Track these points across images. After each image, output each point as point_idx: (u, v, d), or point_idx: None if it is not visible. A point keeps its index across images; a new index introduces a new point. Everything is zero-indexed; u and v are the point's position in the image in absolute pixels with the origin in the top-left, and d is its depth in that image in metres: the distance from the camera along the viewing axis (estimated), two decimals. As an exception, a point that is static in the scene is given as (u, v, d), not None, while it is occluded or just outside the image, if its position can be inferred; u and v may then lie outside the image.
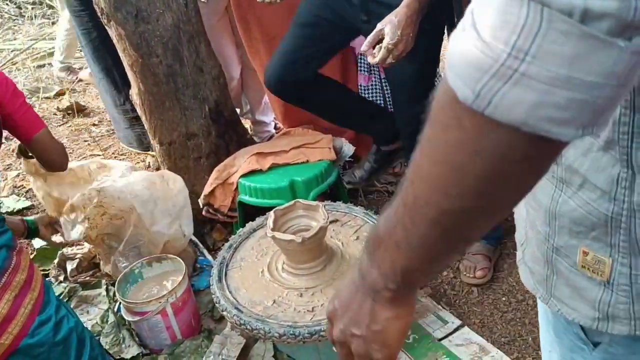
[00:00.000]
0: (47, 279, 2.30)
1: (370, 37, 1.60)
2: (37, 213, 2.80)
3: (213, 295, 1.74)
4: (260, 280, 1.74)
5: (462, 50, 0.42)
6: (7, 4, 6.37)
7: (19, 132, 1.68)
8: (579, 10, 0.37)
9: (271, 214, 1.70)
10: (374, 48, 1.63)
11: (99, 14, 2.11)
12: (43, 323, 1.36)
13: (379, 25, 1.58)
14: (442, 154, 0.46)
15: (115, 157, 3.23)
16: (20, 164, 3.25)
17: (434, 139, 0.47)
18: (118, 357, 1.88)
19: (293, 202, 1.76)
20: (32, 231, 2.07)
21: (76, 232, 2.01)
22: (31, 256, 2.44)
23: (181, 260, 1.96)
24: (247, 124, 2.97)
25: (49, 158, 1.77)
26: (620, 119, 0.52)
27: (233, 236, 1.98)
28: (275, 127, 3.08)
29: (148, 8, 2.06)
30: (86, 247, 2.28)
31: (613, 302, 0.61)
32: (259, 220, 2.00)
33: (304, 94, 2.13)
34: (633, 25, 0.37)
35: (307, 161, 2.28)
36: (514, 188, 0.47)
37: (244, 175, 2.29)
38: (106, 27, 2.14)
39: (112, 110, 3.09)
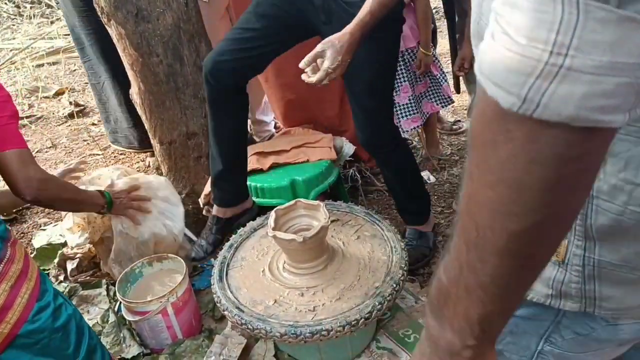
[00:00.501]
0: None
1: (310, 56, 1.61)
2: (37, 212, 2.80)
3: (214, 295, 1.74)
4: (261, 279, 1.73)
5: (497, 58, 0.42)
6: (5, 3, 6.37)
7: None
8: None
9: (272, 213, 1.69)
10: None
11: (98, 13, 2.11)
12: (42, 309, 1.35)
13: (319, 46, 1.60)
14: (497, 173, 0.45)
15: (114, 157, 3.23)
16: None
17: (484, 161, 0.46)
18: (119, 357, 1.88)
19: (294, 201, 1.76)
20: (109, 204, 1.94)
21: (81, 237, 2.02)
22: (31, 255, 2.44)
23: (182, 260, 1.96)
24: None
25: (10, 181, 1.59)
26: None
27: (234, 236, 1.97)
28: (275, 127, 3.09)
29: (148, 7, 2.06)
30: (86, 247, 2.28)
31: (566, 281, 0.62)
32: (259, 219, 2.00)
33: (235, 93, 1.94)
34: None
35: (308, 160, 2.28)
36: (576, 188, 0.46)
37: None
38: (106, 26, 2.13)
39: (115, 109, 3.09)
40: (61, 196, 1.75)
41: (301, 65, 1.61)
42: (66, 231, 2.16)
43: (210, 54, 1.92)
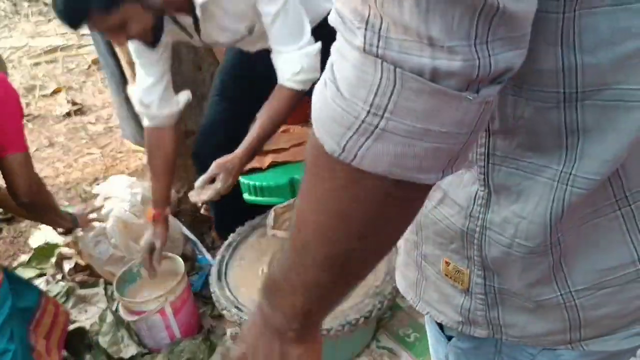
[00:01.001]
0: (44, 277, 2.30)
1: (204, 178, 1.72)
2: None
3: (212, 294, 1.72)
4: (261, 278, 1.72)
5: (324, 105, 0.44)
6: (3, 2, 6.34)
7: None
8: (429, 70, 0.39)
9: (271, 212, 1.68)
10: None
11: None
12: None
13: (214, 169, 1.71)
14: (322, 204, 0.48)
15: (112, 155, 3.22)
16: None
17: (313, 189, 0.49)
18: (117, 357, 1.87)
19: (293, 199, 1.75)
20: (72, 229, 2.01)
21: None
22: (29, 256, 2.43)
23: (180, 259, 1.95)
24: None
25: (11, 182, 1.62)
26: (478, 141, 0.55)
27: (232, 235, 1.96)
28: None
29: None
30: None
31: (472, 309, 0.64)
32: (258, 218, 1.99)
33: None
34: (478, 80, 0.40)
35: (307, 159, 2.26)
36: (393, 226, 0.50)
37: (243, 173, 2.27)
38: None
39: (121, 106, 3.06)
40: (49, 205, 1.79)
41: (197, 184, 1.73)
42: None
43: (200, 142, 1.99)
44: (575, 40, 0.46)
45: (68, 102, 3.80)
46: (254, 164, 2.26)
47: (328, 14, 0.46)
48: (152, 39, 1.60)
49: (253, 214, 2.06)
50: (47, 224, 2.02)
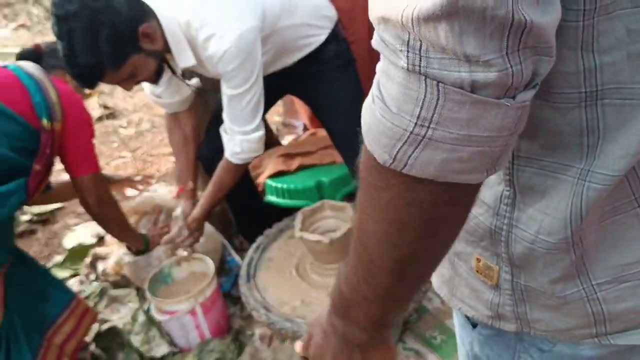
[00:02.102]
0: (78, 277, 2.36)
1: (170, 237, 1.98)
2: (67, 213, 2.86)
3: (242, 295, 1.76)
4: (289, 280, 1.75)
5: (373, 120, 0.48)
6: (36, 8, 6.51)
7: (66, 165, 1.71)
8: (468, 83, 0.43)
9: (299, 214, 1.71)
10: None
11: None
12: None
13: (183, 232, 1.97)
14: (380, 212, 0.52)
15: (143, 158, 3.29)
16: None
17: (370, 200, 0.53)
18: (148, 356, 1.91)
19: (320, 202, 1.77)
20: (143, 251, 2.11)
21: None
22: (63, 257, 2.50)
23: (210, 261, 1.99)
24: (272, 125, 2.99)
25: (82, 196, 1.76)
26: None
27: (260, 237, 1.99)
28: (304, 129, 3.10)
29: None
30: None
31: (501, 304, 0.67)
32: (286, 220, 2.02)
33: None
34: (513, 87, 0.44)
35: (334, 162, 2.29)
36: (449, 226, 0.54)
37: (270, 176, 2.31)
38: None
39: None
40: (116, 221, 1.90)
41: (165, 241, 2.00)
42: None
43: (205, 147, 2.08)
44: (594, 43, 0.50)
45: (100, 106, 3.88)
46: (282, 167, 2.30)
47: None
48: (155, 79, 1.73)
49: (272, 217, 2.10)
50: (117, 238, 2.10)
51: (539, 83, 0.46)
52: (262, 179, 2.31)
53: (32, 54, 1.73)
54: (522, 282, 0.64)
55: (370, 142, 0.49)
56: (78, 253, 2.48)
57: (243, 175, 2.00)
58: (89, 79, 1.58)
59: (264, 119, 2.10)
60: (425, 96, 0.44)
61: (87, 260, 2.39)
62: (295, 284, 1.72)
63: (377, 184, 0.51)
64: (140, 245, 2.07)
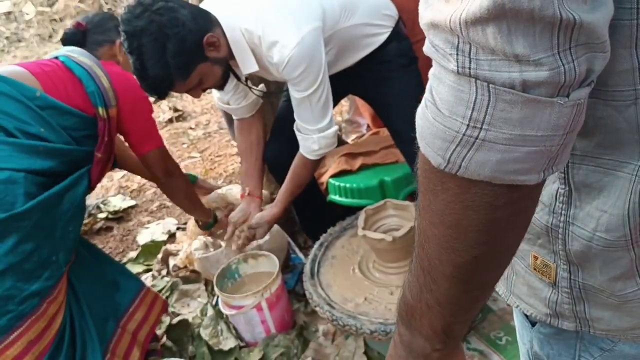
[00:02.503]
0: (151, 272, 2.47)
1: (247, 230, 2.01)
2: (141, 211, 2.99)
3: (306, 291, 1.80)
4: (352, 277, 1.77)
5: (427, 124, 0.48)
6: (110, 9, 6.80)
7: (130, 145, 1.78)
8: (519, 83, 0.43)
9: (362, 213, 1.73)
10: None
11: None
12: None
13: (255, 222, 2.01)
14: (439, 216, 0.51)
15: (211, 159, 3.39)
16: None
17: (428, 204, 0.52)
18: (217, 349, 1.98)
19: (383, 201, 1.78)
20: (210, 225, 2.20)
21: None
22: (137, 252, 2.62)
23: (275, 258, 2.04)
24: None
25: (155, 175, 1.85)
26: None
27: (324, 235, 2.03)
28: (367, 128, 3.10)
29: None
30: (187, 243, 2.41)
31: (559, 302, 0.66)
32: (349, 219, 2.04)
33: None
34: (567, 85, 0.43)
35: (397, 161, 2.29)
36: (511, 229, 0.52)
37: (333, 175, 2.34)
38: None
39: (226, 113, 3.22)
40: (184, 192, 1.99)
41: (236, 232, 2.04)
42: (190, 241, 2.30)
43: (270, 148, 2.15)
44: None
45: (170, 109, 4.02)
46: (345, 166, 2.32)
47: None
48: (221, 85, 1.79)
49: (335, 216, 2.12)
50: (186, 210, 2.20)
51: (594, 80, 0.45)
52: (326, 178, 2.34)
53: (76, 34, 1.78)
54: (580, 280, 0.63)
55: (424, 146, 0.49)
56: (151, 249, 2.59)
57: None
58: (159, 89, 1.65)
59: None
60: (476, 98, 0.44)
61: (159, 256, 2.50)
62: (358, 282, 1.74)
63: (433, 188, 0.51)
64: (208, 218, 2.14)
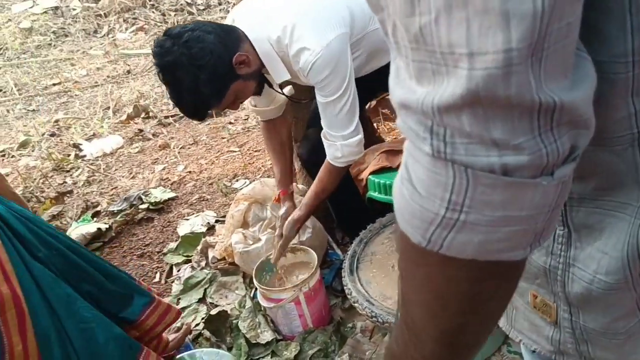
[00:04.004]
0: (190, 263, 2.51)
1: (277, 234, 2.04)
2: (181, 203, 3.04)
3: (345, 287, 1.79)
4: (391, 274, 1.77)
5: (403, 202, 0.45)
6: (152, 12, 6.92)
7: None
8: (498, 167, 0.40)
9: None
10: None
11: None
12: None
13: (284, 229, 2.01)
14: (421, 285, 0.50)
15: (250, 153, 3.42)
16: (166, 157, 3.55)
17: (410, 273, 0.51)
18: (254, 342, 2.00)
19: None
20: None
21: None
22: (176, 243, 2.66)
23: (314, 252, 2.04)
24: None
25: None
26: None
27: (363, 231, 2.02)
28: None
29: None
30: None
31: (562, 341, 0.64)
32: (388, 216, 2.03)
33: None
34: (550, 165, 0.41)
35: (438, 159, 2.27)
36: (495, 298, 0.50)
37: (373, 172, 2.32)
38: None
39: None
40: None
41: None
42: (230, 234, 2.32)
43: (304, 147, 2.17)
44: None
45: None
46: (385, 163, 2.31)
47: None
48: (258, 92, 1.85)
49: (373, 213, 2.12)
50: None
51: (579, 154, 0.43)
52: (365, 174, 2.33)
53: None
54: (581, 322, 0.61)
55: (402, 223, 0.47)
56: (190, 240, 2.62)
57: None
58: (197, 114, 1.75)
59: (367, 117, 2.11)
60: (454, 181, 0.41)
61: (199, 247, 2.53)
62: (397, 279, 1.73)
63: (415, 259, 0.48)
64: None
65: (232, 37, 1.71)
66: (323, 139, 1.86)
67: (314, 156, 2.05)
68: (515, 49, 0.36)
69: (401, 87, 0.43)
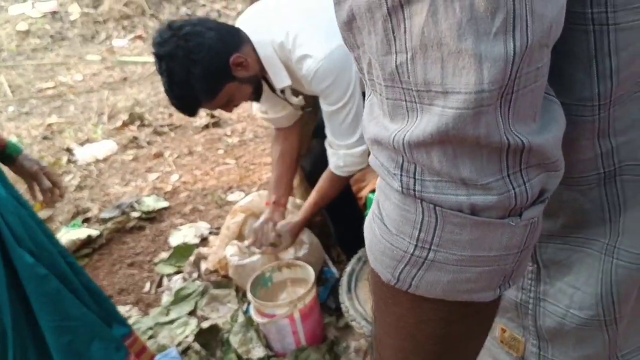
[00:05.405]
0: (181, 274, 2.46)
1: (272, 237, 2.06)
2: (174, 213, 3.00)
3: (342, 305, 1.76)
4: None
5: (374, 239, 0.46)
6: (152, 21, 6.92)
7: None
8: (467, 206, 0.40)
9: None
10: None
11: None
12: None
13: (279, 229, 2.06)
14: (393, 327, 0.49)
15: (246, 166, 3.39)
16: (160, 166, 3.51)
17: (382, 314, 0.51)
18: (245, 357, 1.96)
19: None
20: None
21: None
22: (168, 253, 2.62)
23: (310, 268, 2.01)
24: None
25: None
26: None
27: (362, 249, 2.00)
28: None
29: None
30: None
31: None
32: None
33: None
34: (518, 206, 0.41)
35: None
36: (468, 340, 0.50)
37: (373, 191, 2.31)
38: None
39: None
40: None
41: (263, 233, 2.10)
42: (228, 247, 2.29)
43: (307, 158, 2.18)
44: (609, 129, 0.49)
45: (206, 115, 4.05)
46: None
47: None
48: (255, 98, 1.83)
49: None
50: None
51: (548, 197, 0.44)
52: (365, 192, 2.32)
53: None
54: (549, 356, 0.61)
55: (372, 261, 0.47)
56: (183, 251, 2.58)
57: (344, 188, 2.02)
58: (187, 109, 1.74)
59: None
60: (423, 219, 0.42)
61: (191, 258, 2.49)
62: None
63: (385, 299, 0.49)
64: None
65: (233, 38, 1.70)
66: (327, 146, 1.85)
67: (317, 170, 2.03)
68: (487, 91, 0.36)
69: (375, 124, 0.44)
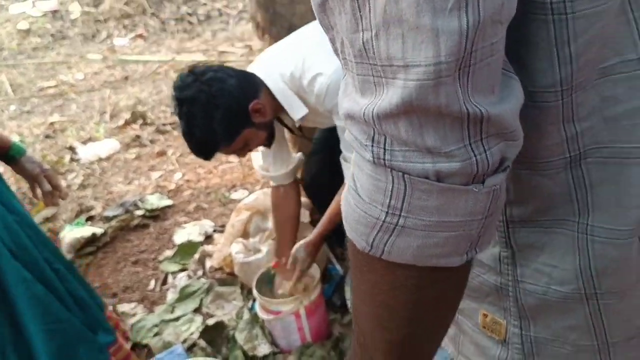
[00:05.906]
0: (186, 272, 2.47)
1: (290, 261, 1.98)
2: (177, 211, 3.01)
3: (347, 301, 1.78)
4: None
5: (349, 209, 0.49)
6: (152, 21, 6.92)
7: None
8: (432, 173, 0.43)
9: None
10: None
11: (253, 27, 2.25)
12: None
13: (295, 251, 1.98)
14: (369, 295, 0.52)
15: (249, 165, 3.40)
16: (163, 165, 3.52)
17: (358, 283, 0.53)
18: (251, 354, 1.97)
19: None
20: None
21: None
22: (173, 251, 2.63)
23: (316, 265, 2.03)
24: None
25: None
26: None
27: (367, 246, 2.01)
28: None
29: (301, 23, 2.16)
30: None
31: (509, 359, 0.66)
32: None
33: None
34: (480, 173, 0.44)
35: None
36: (441, 307, 0.53)
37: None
38: (260, 40, 2.27)
39: None
40: None
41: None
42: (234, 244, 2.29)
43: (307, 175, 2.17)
44: (573, 115, 0.52)
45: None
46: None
47: None
48: (267, 144, 1.87)
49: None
50: None
51: (509, 165, 0.47)
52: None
53: None
54: (532, 334, 0.63)
55: (349, 230, 0.50)
56: (187, 249, 2.59)
57: None
58: (204, 152, 1.76)
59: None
60: (393, 187, 0.45)
61: (196, 256, 2.50)
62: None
63: (361, 267, 0.51)
64: None
65: (251, 85, 1.74)
66: (342, 162, 1.84)
67: (316, 181, 2.08)
68: (445, 62, 0.39)
69: (348, 100, 0.47)
